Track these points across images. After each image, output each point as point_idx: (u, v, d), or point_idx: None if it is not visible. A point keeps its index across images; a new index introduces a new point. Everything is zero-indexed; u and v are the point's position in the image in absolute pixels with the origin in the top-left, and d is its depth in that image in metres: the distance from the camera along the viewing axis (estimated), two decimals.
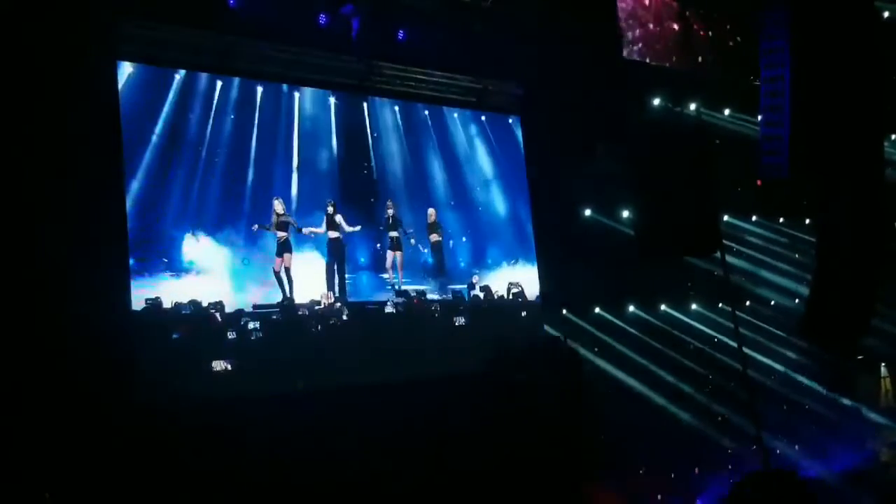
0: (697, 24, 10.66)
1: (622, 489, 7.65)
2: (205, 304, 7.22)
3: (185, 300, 7.12)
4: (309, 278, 8.10)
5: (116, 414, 6.01)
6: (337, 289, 8.17)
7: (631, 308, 9.85)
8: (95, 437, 5.82)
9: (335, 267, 8.25)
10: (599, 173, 9.25)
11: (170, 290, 7.05)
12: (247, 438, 6.40)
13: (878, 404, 9.90)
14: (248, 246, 7.78)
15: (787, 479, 5.39)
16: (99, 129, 6.62)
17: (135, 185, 7.00)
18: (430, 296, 8.77)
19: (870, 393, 9.97)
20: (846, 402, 9.70)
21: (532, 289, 9.34)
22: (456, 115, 9.56)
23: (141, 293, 6.84)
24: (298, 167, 8.34)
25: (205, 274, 7.38)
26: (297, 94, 8.39)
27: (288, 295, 7.82)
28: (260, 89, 8.12)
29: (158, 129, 7.31)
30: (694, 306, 10.41)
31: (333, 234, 8.28)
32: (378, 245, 8.79)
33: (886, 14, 9.18)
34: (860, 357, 9.53)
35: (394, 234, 8.75)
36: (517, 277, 9.39)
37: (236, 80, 7.95)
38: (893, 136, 9.47)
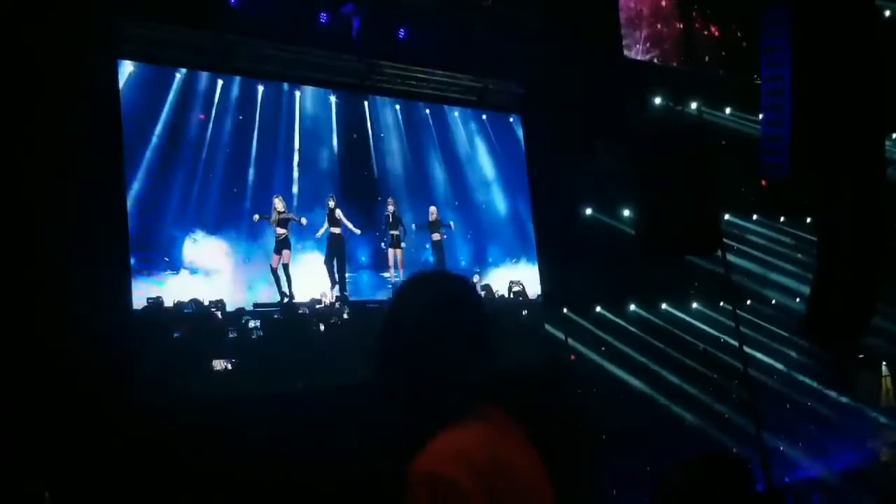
0: (700, 22, 10.66)
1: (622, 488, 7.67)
2: (206, 302, 7.23)
3: (186, 299, 7.12)
4: (309, 277, 8.10)
5: (116, 413, 6.01)
6: (338, 287, 8.18)
7: (632, 307, 9.86)
8: (95, 437, 5.82)
9: (335, 264, 8.24)
10: (600, 172, 9.24)
11: (171, 289, 7.05)
12: (247, 438, 6.40)
13: (879, 403, 9.90)
14: (250, 244, 7.78)
15: (718, 460, 5.31)
16: (99, 128, 6.61)
17: (135, 184, 6.99)
18: None
19: (870, 392, 9.98)
20: (845, 400, 9.71)
21: (533, 287, 9.35)
22: (457, 113, 9.55)
23: (142, 292, 6.84)
24: (299, 165, 8.34)
25: (206, 272, 7.37)
26: (297, 93, 8.37)
27: (286, 292, 7.82)
28: (261, 88, 8.12)
29: (159, 128, 7.29)
30: (695, 305, 10.42)
31: (335, 230, 8.29)
32: (380, 244, 8.79)
33: (888, 13, 9.17)
34: (860, 356, 9.54)
35: (394, 232, 8.75)
36: (518, 276, 9.40)
37: (237, 79, 7.94)
38: (895, 136, 9.46)
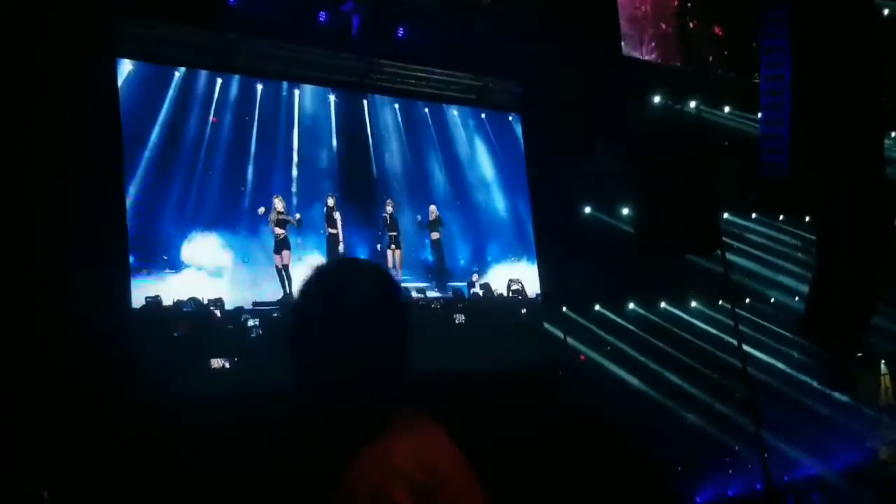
0: (702, 22, 10.65)
1: None
2: (205, 301, 7.23)
3: (185, 297, 7.12)
4: None
5: (115, 412, 6.00)
6: None
7: (631, 305, 9.86)
8: (94, 436, 5.82)
9: None
10: (600, 171, 9.24)
11: (170, 288, 7.05)
12: (247, 437, 6.39)
13: (878, 402, 9.90)
14: (249, 242, 7.78)
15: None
16: (99, 127, 6.61)
17: (134, 183, 6.99)
18: (429, 293, 8.76)
19: (870, 391, 9.98)
20: (845, 399, 9.71)
21: (532, 286, 9.34)
22: (456, 112, 9.54)
23: (141, 291, 6.84)
24: (298, 164, 8.33)
25: (205, 271, 7.37)
26: (296, 92, 8.37)
27: (287, 291, 7.82)
28: (260, 87, 8.11)
29: (158, 126, 7.29)
30: (694, 304, 10.41)
31: (332, 231, 8.28)
32: (378, 245, 8.77)
33: (886, 12, 9.17)
34: (860, 355, 9.54)
35: (393, 232, 8.74)
36: (517, 275, 9.39)
37: (236, 78, 7.94)
38: (894, 135, 9.47)
